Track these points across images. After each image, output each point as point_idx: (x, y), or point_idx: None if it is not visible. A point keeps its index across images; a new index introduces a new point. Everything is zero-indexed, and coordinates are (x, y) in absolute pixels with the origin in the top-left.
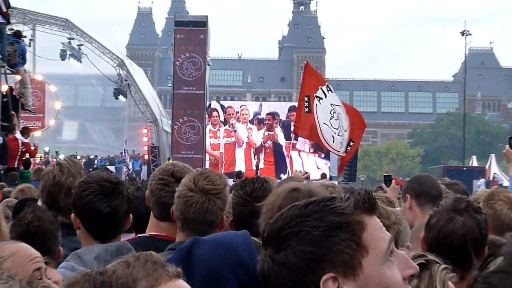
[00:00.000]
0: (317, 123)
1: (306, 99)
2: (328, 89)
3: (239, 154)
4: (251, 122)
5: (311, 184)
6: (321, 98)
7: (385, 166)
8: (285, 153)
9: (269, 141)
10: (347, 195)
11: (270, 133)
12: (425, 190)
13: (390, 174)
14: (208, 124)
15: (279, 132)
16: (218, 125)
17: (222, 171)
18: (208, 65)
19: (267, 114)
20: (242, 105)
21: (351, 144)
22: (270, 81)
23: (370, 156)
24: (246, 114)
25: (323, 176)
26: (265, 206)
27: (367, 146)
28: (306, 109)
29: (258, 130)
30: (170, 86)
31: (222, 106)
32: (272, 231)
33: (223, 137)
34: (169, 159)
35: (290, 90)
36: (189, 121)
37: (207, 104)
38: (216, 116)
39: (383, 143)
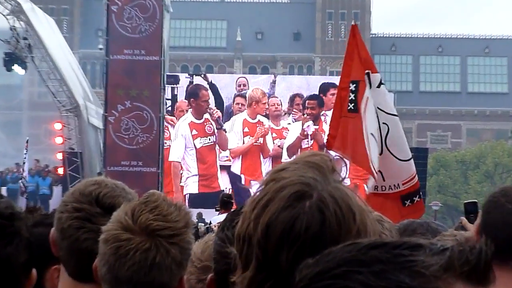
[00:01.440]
0: (365, 133)
1: (352, 87)
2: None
3: (236, 165)
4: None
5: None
6: (372, 86)
7: (475, 186)
8: None
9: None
10: (442, 246)
11: (315, 127)
12: None
13: (476, 201)
14: (179, 113)
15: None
16: (206, 116)
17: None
18: (168, 11)
19: (295, 96)
20: (240, 78)
21: (420, 193)
22: (275, 39)
23: (449, 168)
24: (257, 98)
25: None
26: (246, 208)
27: (443, 152)
28: (351, 106)
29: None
30: (101, 49)
31: (211, 85)
32: (303, 278)
33: (210, 135)
34: (99, 174)
35: (309, 54)
36: (135, 108)
37: (165, 79)
38: (205, 100)
39: (471, 147)
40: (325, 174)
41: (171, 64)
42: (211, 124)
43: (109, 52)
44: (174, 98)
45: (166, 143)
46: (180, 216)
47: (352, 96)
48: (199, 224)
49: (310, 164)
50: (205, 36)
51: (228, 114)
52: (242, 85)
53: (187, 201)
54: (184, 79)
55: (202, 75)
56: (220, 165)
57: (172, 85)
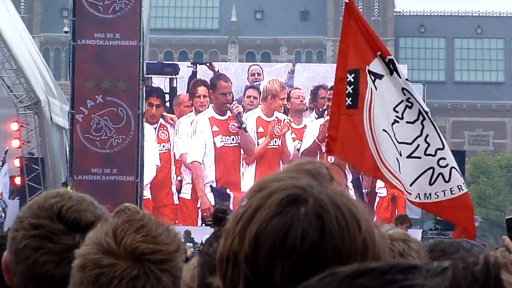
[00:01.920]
0: (369, 133)
1: (351, 77)
2: (391, 65)
3: (248, 173)
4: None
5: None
6: (381, 76)
7: None
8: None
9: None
10: (440, 265)
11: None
12: None
13: None
14: (182, 109)
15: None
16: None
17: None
18: None
19: (318, 88)
20: (252, 66)
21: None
22: (277, 19)
23: (491, 174)
24: (275, 92)
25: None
26: (228, 225)
27: (484, 155)
28: (349, 101)
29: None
30: (66, 32)
31: (218, 75)
32: None
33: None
34: (65, 184)
35: (319, 37)
36: (109, 104)
37: (144, 68)
38: (203, 96)
39: None
40: (322, 182)
41: (151, 50)
42: (235, 123)
43: (76, 36)
44: (173, 92)
45: (163, 146)
46: (170, 237)
47: (349, 88)
48: (187, 244)
49: (304, 172)
50: (193, 16)
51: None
52: (256, 75)
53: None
54: (185, 69)
55: (208, 64)
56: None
57: (171, 76)
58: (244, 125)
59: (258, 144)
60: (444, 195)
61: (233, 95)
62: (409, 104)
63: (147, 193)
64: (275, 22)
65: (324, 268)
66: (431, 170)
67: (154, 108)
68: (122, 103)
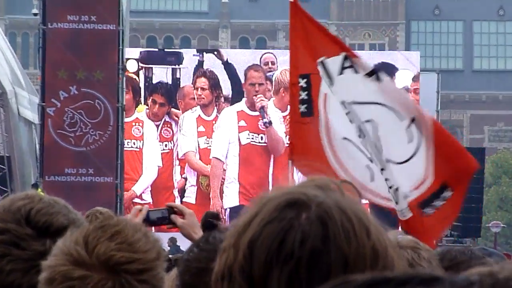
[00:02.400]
0: (328, 142)
1: (303, 82)
2: (348, 61)
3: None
4: None
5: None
6: (332, 77)
7: None
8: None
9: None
10: (466, 279)
11: None
12: None
13: None
14: (187, 102)
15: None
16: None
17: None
18: None
19: None
20: (265, 54)
21: (446, 193)
22: (274, 0)
23: None
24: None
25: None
26: (223, 244)
27: (507, 153)
28: (303, 108)
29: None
30: (35, 15)
31: (227, 64)
32: None
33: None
34: (35, 186)
35: (321, 21)
36: (84, 96)
37: (124, 54)
38: (202, 88)
39: None
40: (329, 192)
41: (132, 35)
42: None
43: (46, 19)
44: (175, 83)
45: (166, 145)
46: (149, 244)
47: (303, 95)
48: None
49: (311, 184)
50: None
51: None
52: (270, 63)
53: (227, 217)
54: (190, 58)
55: (215, 52)
56: None
57: (173, 66)
58: (267, 120)
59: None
60: (402, 216)
61: (228, 86)
62: (350, 119)
63: (147, 197)
64: (271, 3)
65: (328, 276)
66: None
67: (157, 106)
68: (99, 95)
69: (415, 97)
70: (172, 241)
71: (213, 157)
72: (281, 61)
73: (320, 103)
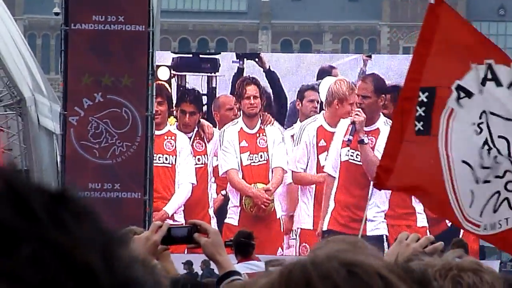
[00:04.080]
0: (446, 164)
1: (423, 96)
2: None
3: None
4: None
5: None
6: (471, 94)
7: None
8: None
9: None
10: None
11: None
12: None
13: None
14: (224, 113)
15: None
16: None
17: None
18: None
19: (395, 88)
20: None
21: None
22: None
23: None
24: (342, 94)
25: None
26: None
27: None
28: (419, 126)
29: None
30: (57, 14)
31: (269, 73)
32: None
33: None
34: None
35: (372, 22)
36: (110, 104)
37: (154, 59)
38: (254, 96)
39: None
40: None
41: (163, 37)
42: (265, 137)
43: (69, 18)
44: (211, 93)
45: (199, 159)
46: (145, 275)
47: (421, 110)
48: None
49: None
50: None
51: (292, 116)
52: (331, 73)
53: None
54: (227, 65)
55: (257, 59)
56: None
57: (209, 74)
58: (361, 138)
59: (318, 160)
60: (507, 224)
61: (270, 98)
62: (478, 130)
63: (179, 218)
64: (316, 3)
65: None
66: (497, 194)
67: (188, 116)
68: (127, 103)
69: None
70: (205, 263)
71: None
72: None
73: (442, 120)
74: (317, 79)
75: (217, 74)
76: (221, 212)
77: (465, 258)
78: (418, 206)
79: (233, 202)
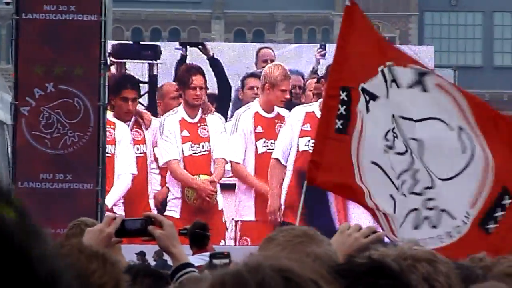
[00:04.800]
0: (356, 165)
1: (344, 95)
2: (418, 71)
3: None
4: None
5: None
6: (376, 97)
7: None
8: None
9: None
10: None
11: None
12: None
13: None
14: (167, 102)
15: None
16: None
17: None
18: None
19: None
20: (263, 49)
21: (505, 201)
22: None
23: None
24: (274, 79)
25: None
26: None
27: None
28: (339, 124)
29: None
30: (7, 4)
31: (212, 61)
32: None
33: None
34: None
35: (325, 12)
36: (62, 94)
37: (106, 49)
38: (200, 87)
39: None
40: None
41: (116, 27)
42: (206, 126)
43: (20, 8)
44: (153, 81)
45: (138, 148)
46: (106, 276)
47: (342, 109)
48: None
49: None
50: None
51: (237, 105)
52: (268, 61)
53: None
54: (169, 52)
55: (200, 46)
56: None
57: (150, 61)
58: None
59: (257, 149)
60: (433, 243)
61: (214, 86)
62: (395, 134)
63: (119, 210)
64: None
65: None
66: (414, 213)
67: (130, 102)
68: (79, 93)
69: None
70: (158, 254)
71: (231, 161)
72: (280, 54)
73: (358, 121)
74: (257, 68)
75: (158, 61)
76: (164, 205)
77: (420, 248)
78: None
79: (174, 193)
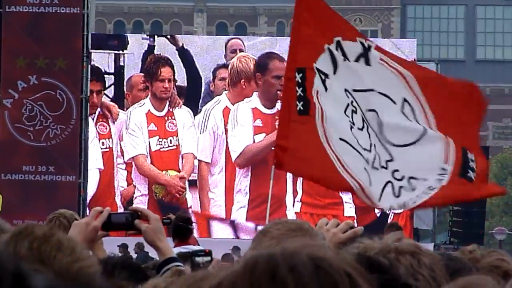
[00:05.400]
0: (326, 143)
1: (298, 77)
2: (364, 45)
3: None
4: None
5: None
6: (327, 75)
7: None
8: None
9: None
10: None
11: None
12: None
13: None
14: (135, 94)
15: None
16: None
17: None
18: None
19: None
20: (232, 40)
21: (470, 155)
22: None
23: None
24: (249, 73)
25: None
26: None
27: (511, 152)
28: (300, 105)
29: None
30: None
31: (182, 51)
32: None
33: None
34: None
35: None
36: (45, 86)
37: (89, 41)
38: (168, 80)
39: None
40: None
41: (98, 19)
42: (174, 120)
43: (3, 1)
44: (119, 73)
45: (103, 143)
46: (74, 254)
47: (299, 91)
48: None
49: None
50: None
51: (208, 98)
52: (238, 51)
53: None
54: (136, 42)
55: (169, 36)
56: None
57: (116, 51)
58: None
59: (227, 145)
60: (421, 198)
61: (183, 78)
62: (354, 109)
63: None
64: None
65: None
66: (390, 184)
67: (95, 94)
68: (62, 85)
69: None
70: (139, 247)
71: (200, 160)
72: (248, 46)
73: (316, 101)
74: (226, 60)
75: (125, 51)
76: (131, 202)
77: (404, 240)
78: (346, 196)
79: (140, 190)
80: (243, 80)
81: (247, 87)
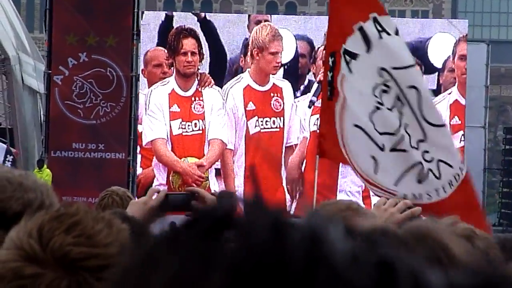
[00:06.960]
0: (340, 130)
1: (331, 61)
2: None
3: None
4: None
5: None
6: (356, 55)
7: None
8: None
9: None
10: None
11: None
12: None
13: None
14: (151, 70)
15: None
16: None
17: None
18: None
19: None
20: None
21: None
22: None
23: None
24: (261, 43)
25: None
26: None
27: None
28: (329, 91)
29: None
30: None
31: (204, 23)
32: None
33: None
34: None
35: None
36: (95, 64)
37: (139, 19)
38: (191, 52)
39: None
40: None
41: None
42: (202, 101)
43: None
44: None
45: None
46: (111, 236)
47: (329, 76)
48: None
49: None
50: None
51: (233, 75)
52: (262, 20)
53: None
54: (152, 14)
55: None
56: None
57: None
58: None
59: (248, 128)
60: (438, 195)
61: (206, 52)
62: (385, 88)
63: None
64: None
65: None
66: (420, 165)
67: None
68: (112, 63)
69: (461, 67)
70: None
71: (226, 146)
72: (277, 20)
73: (339, 85)
74: (249, 32)
75: (142, 23)
76: (146, 191)
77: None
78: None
79: (159, 179)
80: (256, 50)
81: (261, 58)
